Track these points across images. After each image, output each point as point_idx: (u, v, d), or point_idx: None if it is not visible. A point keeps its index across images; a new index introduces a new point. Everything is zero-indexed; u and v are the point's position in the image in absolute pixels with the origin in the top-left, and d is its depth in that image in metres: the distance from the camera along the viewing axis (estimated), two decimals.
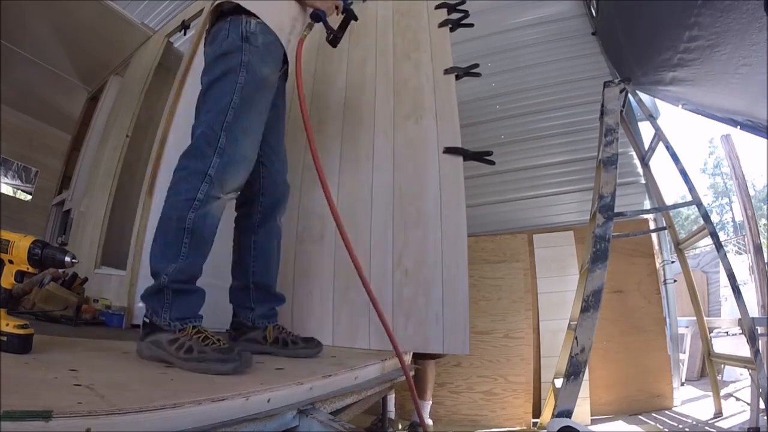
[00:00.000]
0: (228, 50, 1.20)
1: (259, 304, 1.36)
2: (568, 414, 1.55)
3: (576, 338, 1.70)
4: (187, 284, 1.10)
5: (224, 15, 1.27)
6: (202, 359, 0.95)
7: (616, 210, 2.05)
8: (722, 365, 3.89)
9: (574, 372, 1.62)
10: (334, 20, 1.50)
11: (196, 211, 1.09)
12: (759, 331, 2.24)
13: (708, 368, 2.51)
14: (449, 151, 1.67)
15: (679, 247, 2.69)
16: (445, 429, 2.56)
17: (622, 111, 2.63)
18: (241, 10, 1.24)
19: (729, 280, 2.07)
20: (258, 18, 1.25)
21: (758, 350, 1.98)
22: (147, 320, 1.05)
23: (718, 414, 2.39)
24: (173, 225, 1.09)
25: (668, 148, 2.35)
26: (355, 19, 1.54)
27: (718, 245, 2.14)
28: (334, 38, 1.49)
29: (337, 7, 1.45)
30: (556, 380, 2.26)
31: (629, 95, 2.64)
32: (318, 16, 1.41)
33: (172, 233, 1.08)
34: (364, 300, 1.64)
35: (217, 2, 1.29)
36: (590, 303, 1.76)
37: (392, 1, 2.10)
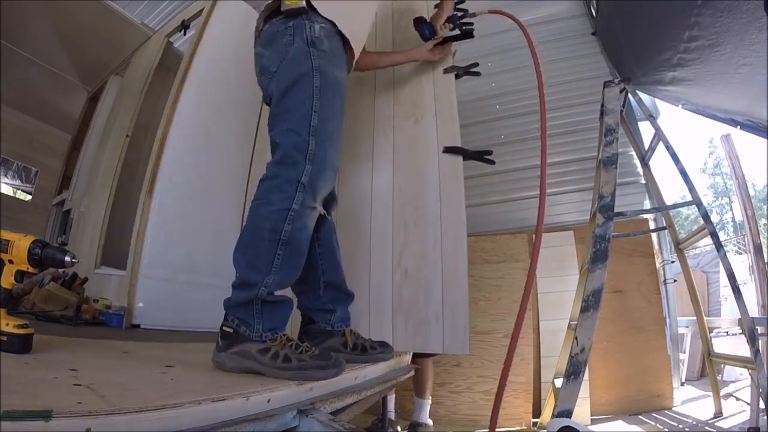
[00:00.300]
0: (295, 56, 1.16)
1: (337, 304, 1.29)
2: (568, 414, 1.55)
3: (576, 338, 1.70)
4: (280, 295, 1.09)
5: (282, 14, 1.21)
6: (303, 367, 0.95)
7: (616, 210, 2.05)
8: (722, 365, 3.90)
9: (574, 372, 1.62)
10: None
11: (292, 223, 1.06)
12: (759, 331, 2.24)
13: (708, 368, 2.51)
14: (449, 150, 1.67)
15: (679, 246, 2.69)
16: (445, 429, 2.55)
17: (622, 111, 2.63)
18: (302, 12, 1.19)
19: (729, 280, 2.07)
20: (323, 20, 1.21)
21: (758, 350, 1.98)
22: (230, 330, 1.01)
23: (718, 414, 2.39)
24: (266, 236, 1.05)
25: (668, 148, 2.35)
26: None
27: (718, 245, 2.14)
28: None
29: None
30: (556, 380, 2.26)
31: (629, 95, 2.63)
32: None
33: (266, 244, 1.05)
34: (364, 300, 1.64)
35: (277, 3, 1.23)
36: (590, 303, 1.76)
37: (392, 1, 2.10)
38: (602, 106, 2.53)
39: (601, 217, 1.98)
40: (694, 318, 2.73)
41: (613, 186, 2.06)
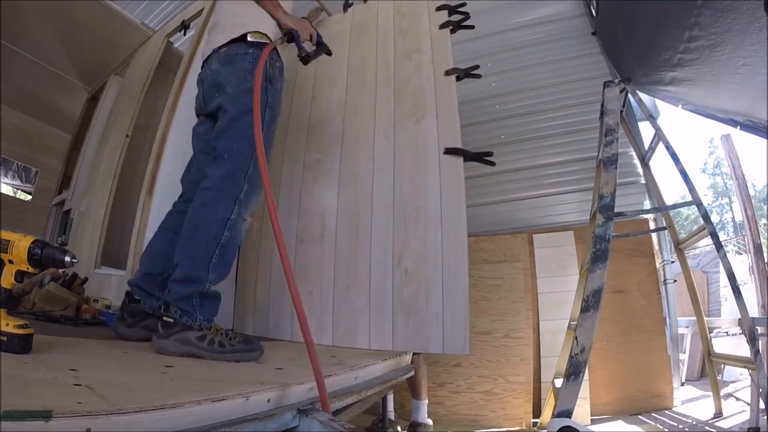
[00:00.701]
0: (252, 87, 1.29)
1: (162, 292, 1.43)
2: (568, 414, 1.55)
3: (576, 338, 1.70)
4: (215, 290, 1.26)
5: (245, 42, 1.38)
6: (236, 350, 1.14)
7: (616, 210, 2.04)
8: (722, 365, 3.90)
9: (574, 372, 1.62)
10: (308, 45, 1.58)
11: (230, 230, 1.24)
12: (759, 331, 2.24)
13: (708, 368, 2.51)
14: (450, 151, 1.67)
15: (679, 247, 2.69)
16: (445, 429, 2.55)
17: (622, 111, 2.64)
18: (263, 46, 1.37)
19: (729, 279, 2.07)
20: (279, 58, 1.43)
21: (758, 350, 1.98)
22: (171, 320, 1.15)
23: (718, 414, 2.39)
24: (210, 239, 1.22)
25: (668, 148, 2.35)
26: (329, 54, 1.64)
27: (718, 245, 2.14)
28: (305, 57, 1.54)
29: (311, 36, 1.55)
30: (556, 380, 2.26)
31: (629, 95, 2.63)
32: (291, 36, 1.49)
33: (208, 246, 1.22)
34: (364, 300, 1.64)
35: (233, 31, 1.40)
36: (590, 303, 1.76)
37: (393, 2, 2.10)
38: (602, 106, 2.53)
39: (601, 217, 1.98)
40: (694, 318, 2.73)
41: (613, 186, 2.06)
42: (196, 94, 1.54)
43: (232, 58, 1.38)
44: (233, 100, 1.34)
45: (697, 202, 2.18)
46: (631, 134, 2.91)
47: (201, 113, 1.52)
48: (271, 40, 1.42)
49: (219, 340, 1.14)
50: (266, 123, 1.33)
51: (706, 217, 2.16)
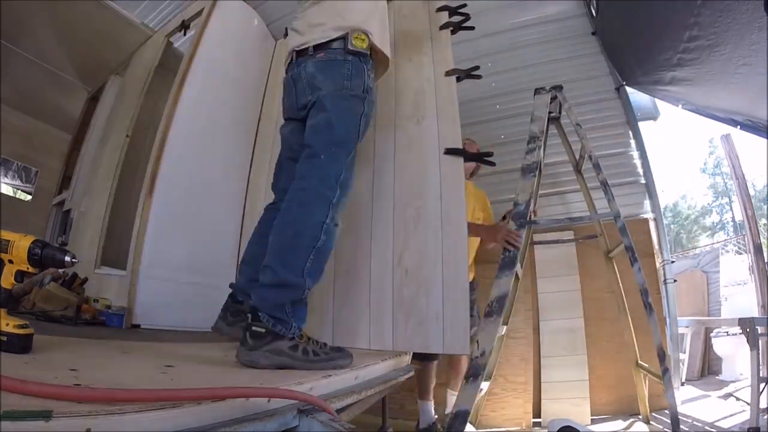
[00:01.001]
0: (355, 96, 1.32)
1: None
2: (465, 414, 1.57)
3: (477, 342, 1.70)
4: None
5: (341, 44, 1.33)
6: (330, 358, 1.11)
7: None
8: (721, 365, 3.90)
9: (473, 374, 1.64)
10: None
11: (325, 234, 1.18)
12: (759, 331, 2.24)
13: (635, 376, 2.52)
14: (450, 152, 1.67)
15: (608, 255, 2.68)
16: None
17: (558, 117, 2.69)
18: (363, 55, 1.35)
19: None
20: (372, 69, 1.41)
21: (667, 369, 2.04)
22: (262, 330, 1.06)
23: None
24: (307, 241, 1.15)
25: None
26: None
27: (633, 260, 2.19)
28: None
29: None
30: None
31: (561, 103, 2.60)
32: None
33: (304, 249, 1.15)
34: (364, 300, 1.64)
35: (341, 26, 1.35)
36: (494, 308, 1.75)
37: (394, 2, 2.10)
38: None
39: (513, 225, 1.98)
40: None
41: (528, 194, 2.09)
42: (283, 95, 1.47)
43: (329, 63, 1.33)
44: (332, 100, 1.30)
45: (615, 214, 2.22)
46: (566, 141, 2.89)
47: (290, 116, 1.46)
48: (372, 44, 1.38)
49: (312, 349, 1.10)
50: (361, 132, 1.33)
51: (622, 230, 2.19)
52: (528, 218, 2.06)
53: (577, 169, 2.90)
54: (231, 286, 1.43)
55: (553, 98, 2.49)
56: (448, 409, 2.21)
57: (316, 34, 1.36)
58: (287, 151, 1.47)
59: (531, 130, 2.28)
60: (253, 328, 1.05)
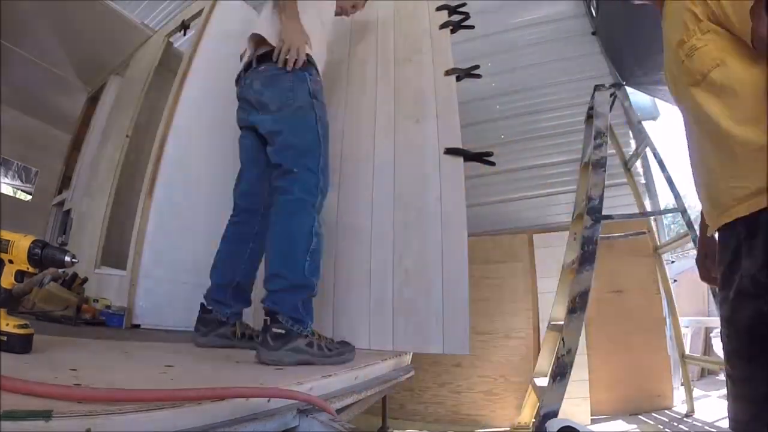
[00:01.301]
0: (303, 106, 1.36)
1: (237, 302, 1.48)
2: (554, 414, 1.55)
3: (563, 339, 1.69)
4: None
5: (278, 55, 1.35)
6: (340, 353, 1.21)
7: (604, 212, 2.05)
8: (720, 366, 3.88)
9: (560, 373, 1.61)
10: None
11: (315, 237, 1.28)
12: None
13: (681, 369, 2.51)
14: (450, 151, 1.67)
15: (657, 251, 2.69)
16: (445, 429, 2.56)
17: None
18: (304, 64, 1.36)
19: None
20: (318, 75, 1.44)
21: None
22: (282, 331, 1.14)
23: (690, 413, 2.39)
24: (304, 246, 1.25)
25: (656, 155, 2.37)
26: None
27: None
28: None
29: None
30: (535, 379, 2.26)
31: (618, 99, 2.64)
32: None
33: (301, 253, 1.24)
34: (364, 300, 1.65)
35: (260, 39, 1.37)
36: (577, 304, 1.75)
37: (394, 1, 2.10)
38: (592, 108, 2.52)
39: (589, 219, 1.98)
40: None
41: (601, 189, 2.07)
42: (237, 108, 1.51)
43: (272, 78, 1.36)
44: (282, 118, 1.35)
45: (681, 209, 2.20)
46: (615, 139, 2.91)
47: (244, 125, 1.50)
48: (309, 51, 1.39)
49: (325, 345, 1.19)
50: (321, 136, 1.38)
51: (689, 224, 2.18)
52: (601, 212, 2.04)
53: (627, 167, 2.92)
54: (204, 296, 1.48)
55: (612, 95, 2.49)
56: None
57: (257, 45, 1.41)
58: (249, 157, 1.51)
59: (596, 125, 2.28)
60: (274, 330, 1.14)
